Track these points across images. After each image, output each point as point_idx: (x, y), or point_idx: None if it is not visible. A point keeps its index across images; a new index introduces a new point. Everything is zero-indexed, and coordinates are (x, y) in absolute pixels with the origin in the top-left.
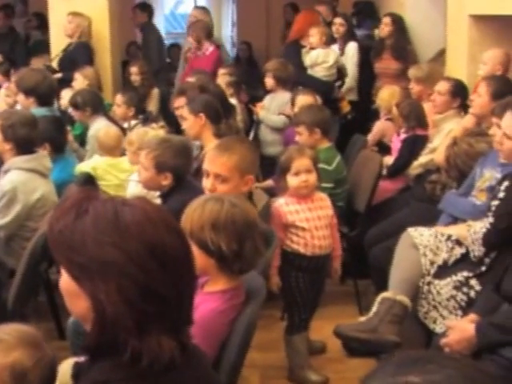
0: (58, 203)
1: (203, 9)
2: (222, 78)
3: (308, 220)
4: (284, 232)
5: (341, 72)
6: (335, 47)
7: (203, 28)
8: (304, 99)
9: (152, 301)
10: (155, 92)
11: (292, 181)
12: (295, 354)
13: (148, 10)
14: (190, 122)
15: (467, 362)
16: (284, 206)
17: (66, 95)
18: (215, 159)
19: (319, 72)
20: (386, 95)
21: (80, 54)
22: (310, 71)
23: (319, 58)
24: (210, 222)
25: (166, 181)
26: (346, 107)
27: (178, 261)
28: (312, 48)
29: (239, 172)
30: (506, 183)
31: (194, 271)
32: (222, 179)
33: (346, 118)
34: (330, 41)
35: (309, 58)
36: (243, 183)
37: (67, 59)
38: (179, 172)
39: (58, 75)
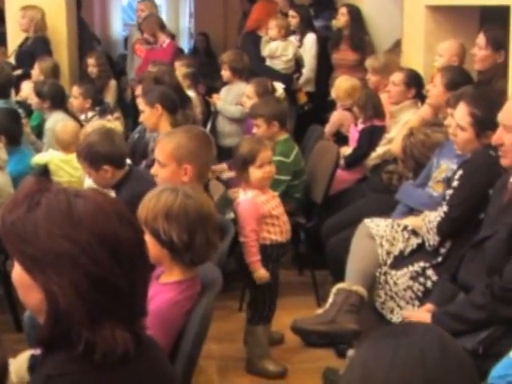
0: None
1: (149, 0)
2: (180, 70)
3: (274, 208)
4: (260, 225)
5: (298, 63)
6: (292, 39)
7: (156, 21)
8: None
9: (105, 292)
10: (112, 83)
11: (256, 173)
12: (256, 344)
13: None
14: (147, 114)
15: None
16: (256, 197)
17: (25, 87)
18: (157, 145)
19: (278, 65)
20: (342, 85)
21: (39, 48)
22: (268, 63)
23: (278, 51)
24: (163, 212)
25: (108, 173)
26: (303, 98)
27: (131, 252)
28: (272, 39)
29: (175, 159)
30: (460, 172)
31: (147, 262)
32: (161, 165)
33: (303, 109)
34: (289, 32)
35: (268, 48)
36: (182, 172)
37: (25, 54)
38: (113, 160)
39: (18, 71)
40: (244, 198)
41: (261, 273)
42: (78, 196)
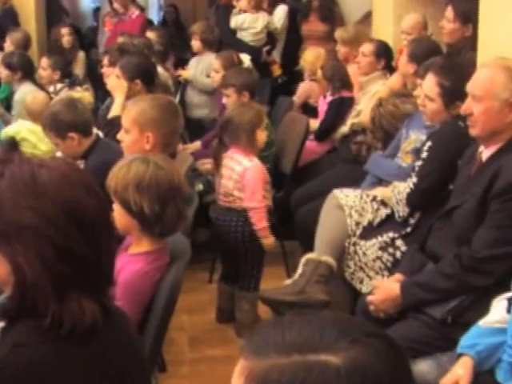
0: None
1: None
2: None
3: None
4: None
5: (272, 36)
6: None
7: None
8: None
9: (71, 263)
10: (81, 55)
11: (262, 136)
12: (252, 310)
13: None
14: (124, 88)
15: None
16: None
17: None
18: (123, 110)
19: (247, 37)
20: (310, 57)
21: (7, 20)
22: (238, 35)
23: (245, 24)
24: (134, 183)
25: (74, 141)
26: (277, 71)
27: (97, 222)
28: (242, 11)
29: (138, 126)
30: (428, 143)
31: (113, 232)
32: (125, 130)
33: (277, 82)
34: (261, 4)
35: (234, 21)
36: (144, 139)
37: None
38: (78, 126)
39: None
40: (250, 164)
41: (271, 238)
42: (42, 166)
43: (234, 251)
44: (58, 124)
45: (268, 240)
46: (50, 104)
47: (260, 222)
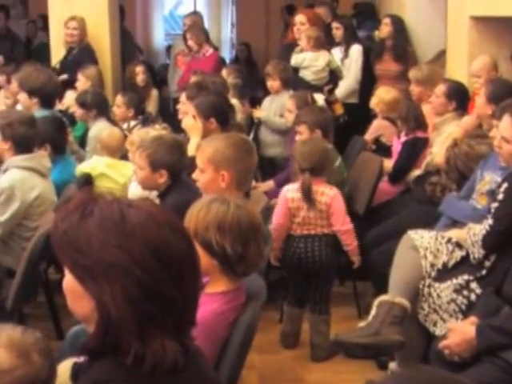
0: (62, 203)
1: (195, 14)
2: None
3: None
4: None
5: (334, 75)
6: (337, 50)
7: (202, 30)
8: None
9: (156, 303)
10: (154, 93)
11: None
12: (328, 332)
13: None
14: (200, 126)
15: None
16: None
17: (69, 96)
18: (197, 150)
19: (308, 76)
20: (385, 95)
21: (85, 58)
22: (300, 74)
23: (305, 62)
24: (215, 223)
25: (162, 178)
26: (338, 110)
27: (183, 263)
28: (303, 50)
29: (213, 165)
30: (505, 185)
31: (199, 273)
32: (200, 170)
33: (338, 121)
34: (322, 43)
35: (294, 59)
36: (220, 178)
37: (72, 63)
38: (174, 169)
39: (64, 76)
40: (333, 192)
41: (359, 256)
42: (131, 206)
43: (311, 275)
44: (159, 157)
45: (358, 257)
46: (156, 136)
47: (354, 242)
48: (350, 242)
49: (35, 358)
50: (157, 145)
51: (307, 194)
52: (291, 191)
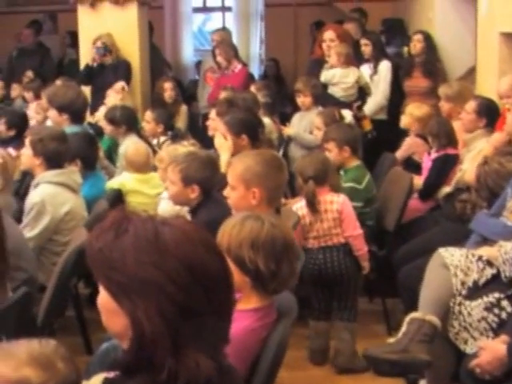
0: (94, 220)
1: (223, 30)
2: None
3: None
4: None
5: (363, 91)
6: (366, 66)
7: (231, 46)
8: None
9: (190, 320)
10: (183, 109)
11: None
12: (353, 340)
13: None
14: (230, 143)
15: None
16: None
17: (102, 111)
18: (228, 167)
19: (337, 92)
20: (414, 112)
21: (123, 70)
22: (329, 90)
23: (334, 79)
24: (249, 241)
25: (194, 194)
26: (367, 126)
27: (217, 280)
28: (332, 66)
29: (244, 182)
30: None
31: (232, 290)
32: (231, 187)
33: (366, 137)
34: (351, 60)
35: (324, 76)
36: (250, 195)
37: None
38: (206, 184)
39: (121, 83)
40: (341, 198)
41: (368, 262)
42: (165, 224)
43: (333, 285)
44: (187, 176)
45: (368, 263)
46: (196, 151)
47: (364, 247)
48: (361, 247)
49: (60, 366)
50: (190, 160)
51: (312, 203)
52: (300, 209)
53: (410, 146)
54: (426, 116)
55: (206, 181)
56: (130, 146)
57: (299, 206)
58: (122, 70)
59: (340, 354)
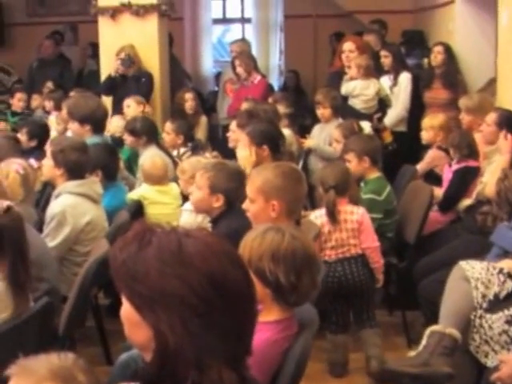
0: (116, 231)
1: (242, 41)
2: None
3: None
4: None
5: (383, 103)
6: (386, 78)
7: (250, 58)
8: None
9: (214, 332)
10: (203, 120)
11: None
12: (377, 344)
13: None
14: (252, 154)
15: None
16: None
17: (114, 122)
18: (248, 180)
19: (358, 104)
20: (432, 123)
21: (146, 82)
22: (349, 102)
23: (355, 91)
24: (269, 253)
25: (218, 203)
26: (388, 138)
27: (241, 293)
28: (352, 78)
29: (263, 195)
30: None
31: (255, 302)
32: (250, 200)
33: (387, 149)
34: (371, 71)
35: (345, 88)
36: (270, 207)
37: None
38: (231, 195)
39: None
40: (361, 211)
41: (382, 275)
42: (189, 236)
43: (353, 297)
44: (214, 184)
45: (382, 276)
46: (226, 162)
47: (381, 260)
48: (378, 260)
49: (81, 378)
50: (218, 169)
51: (332, 213)
52: (319, 217)
53: (432, 159)
54: (445, 123)
55: (231, 192)
56: (146, 159)
57: (319, 214)
58: (144, 81)
59: (373, 358)
